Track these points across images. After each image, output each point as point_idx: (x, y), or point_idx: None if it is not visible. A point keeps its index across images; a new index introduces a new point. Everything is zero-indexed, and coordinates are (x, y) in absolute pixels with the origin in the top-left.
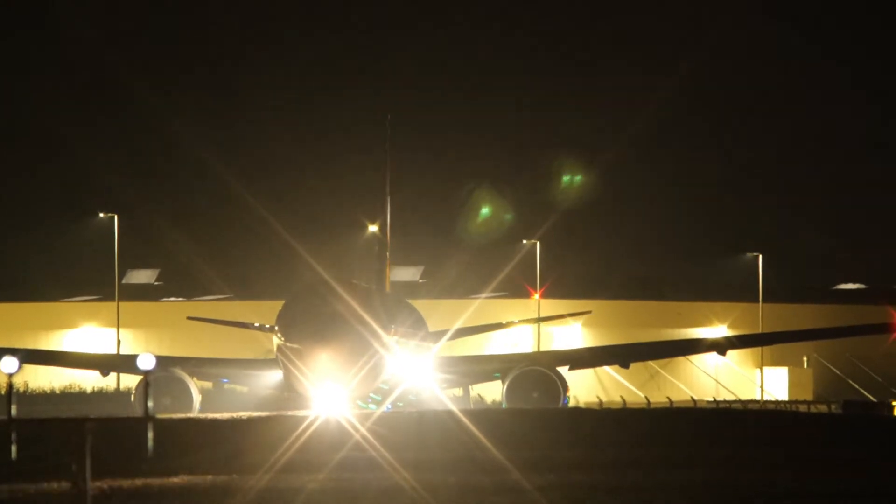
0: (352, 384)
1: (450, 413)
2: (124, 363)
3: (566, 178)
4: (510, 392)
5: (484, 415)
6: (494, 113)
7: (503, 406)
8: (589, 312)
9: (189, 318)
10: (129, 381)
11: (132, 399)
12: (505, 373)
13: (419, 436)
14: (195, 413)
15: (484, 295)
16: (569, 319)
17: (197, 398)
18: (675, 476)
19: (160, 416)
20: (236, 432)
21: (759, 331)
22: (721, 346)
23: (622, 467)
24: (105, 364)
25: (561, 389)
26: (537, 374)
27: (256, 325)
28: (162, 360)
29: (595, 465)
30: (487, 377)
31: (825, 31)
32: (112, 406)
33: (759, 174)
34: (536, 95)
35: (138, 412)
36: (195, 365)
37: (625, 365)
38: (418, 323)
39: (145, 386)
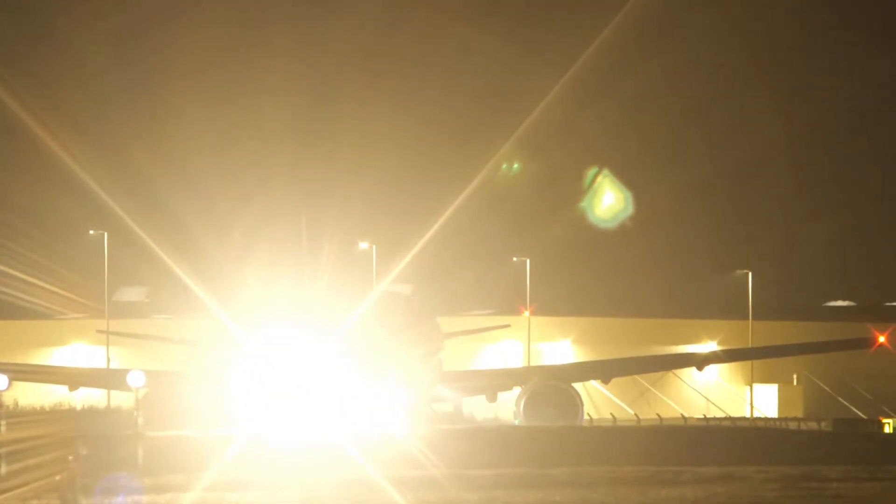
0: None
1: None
2: (114, 378)
3: (504, 166)
4: (528, 408)
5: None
6: (488, 124)
7: (516, 422)
8: (508, 326)
9: (98, 330)
10: (119, 397)
11: (135, 413)
12: (502, 389)
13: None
14: (204, 429)
15: (475, 312)
16: (557, 336)
17: (208, 414)
18: (669, 493)
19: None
20: (233, 449)
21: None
22: (699, 362)
23: (636, 484)
24: (95, 379)
25: (579, 405)
26: (555, 388)
27: (177, 338)
28: (171, 375)
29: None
30: (492, 391)
31: (819, 40)
32: (103, 423)
33: (749, 190)
34: (531, 105)
35: (144, 428)
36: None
37: (606, 380)
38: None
39: (136, 402)
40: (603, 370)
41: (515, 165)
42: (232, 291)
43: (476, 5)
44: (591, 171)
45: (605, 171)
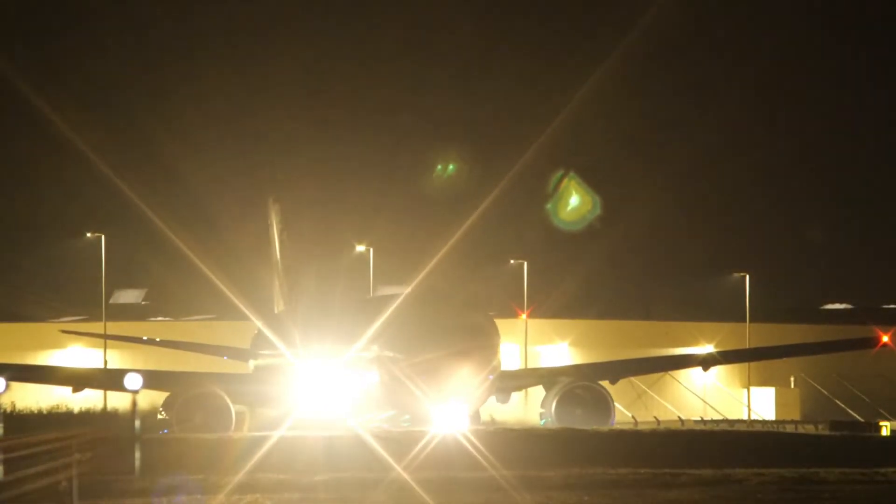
0: (470, 397)
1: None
2: (112, 379)
3: (439, 167)
4: (560, 408)
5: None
6: (480, 130)
7: (542, 423)
8: None
9: (63, 331)
10: (116, 400)
11: (158, 417)
12: (548, 387)
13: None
14: (231, 432)
15: None
16: (555, 339)
17: (235, 417)
18: (667, 495)
19: (186, 434)
20: (253, 453)
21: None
22: (704, 363)
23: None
24: (94, 380)
25: (612, 406)
26: (588, 389)
27: (145, 338)
28: (197, 377)
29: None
30: (508, 392)
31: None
32: (100, 427)
33: (746, 193)
34: (524, 111)
35: (175, 431)
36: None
37: (613, 381)
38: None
39: (133, 405)
40: (623, 370)
41: (451, 167)
42: (239, 294)
43: (484, 10)
44: (558, 175)
45: (571, 174)
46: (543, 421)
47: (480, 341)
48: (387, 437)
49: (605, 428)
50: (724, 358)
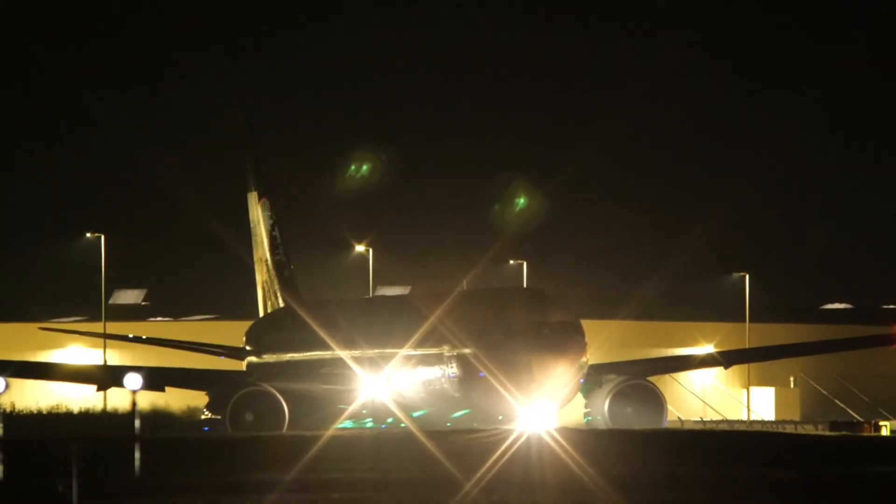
0: (560, 395)
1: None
2: (115, 376)
3: (353, 167)
4: (613, 407)
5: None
6: (476, 132)
7: (586, 420)
8: None
9: (41, 328)
10: (116, 400)
11: (202, 417)
12: (599, 384)
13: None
14: (284, 430)
15: None
16: None
17: (287, 414)
18: (666, 496)
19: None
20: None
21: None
22: (723, 361)
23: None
24: (93, 378)
25: (665, 405)
26: (642, 388)
27: (130, 336)
28: (238, 375)
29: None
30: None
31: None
32: (99, 427)
33: (746, 193)
34: (518, 113)
35: (228, 428)
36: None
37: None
38: None
39: (133, 405)
40: (649, 369)
41: (364, 167)
42: (229, 294)
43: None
44: (507, 179)
45: (518, 179)
46: (588, 419)
47: (574, 339)
48: (481, 438)
49: (604, 428)
50: (742, 357)
